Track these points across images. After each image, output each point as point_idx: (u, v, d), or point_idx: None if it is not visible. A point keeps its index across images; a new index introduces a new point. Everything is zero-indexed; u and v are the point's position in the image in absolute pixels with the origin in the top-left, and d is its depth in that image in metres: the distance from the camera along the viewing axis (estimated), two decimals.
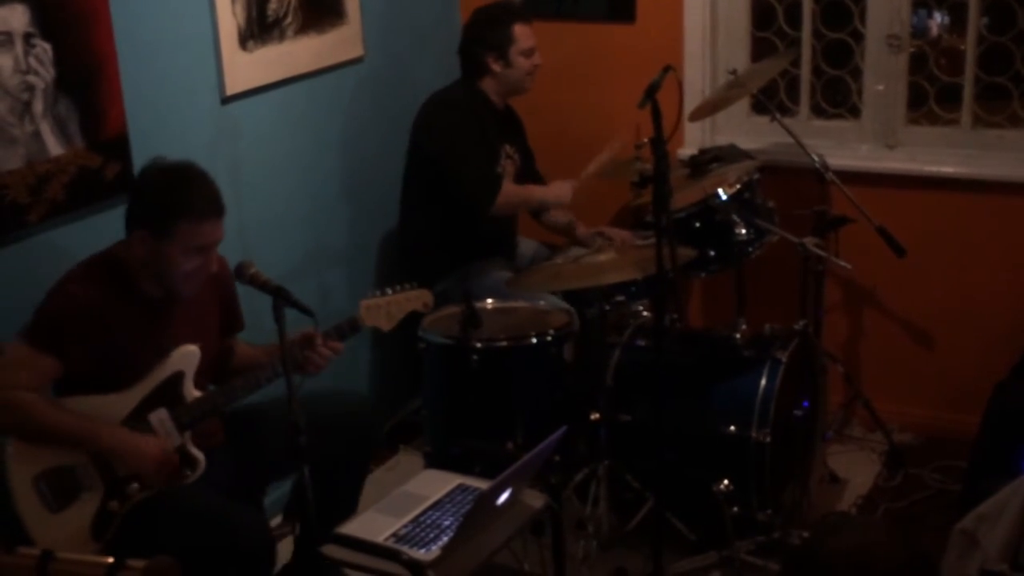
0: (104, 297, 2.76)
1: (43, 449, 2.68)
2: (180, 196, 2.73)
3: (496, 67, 3.99)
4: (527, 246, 4.29)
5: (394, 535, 2.67)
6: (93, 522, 2.71)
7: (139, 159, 3.15)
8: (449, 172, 3.92)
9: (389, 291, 3.04)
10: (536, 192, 4.14)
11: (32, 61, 2.88)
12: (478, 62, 4.01)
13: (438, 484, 2.92)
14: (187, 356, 2.90)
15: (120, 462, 2.74)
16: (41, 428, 2.69)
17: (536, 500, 2.85)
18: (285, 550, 3.20)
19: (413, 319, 3.83)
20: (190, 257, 2.75)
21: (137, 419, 2.78)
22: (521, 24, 3.99)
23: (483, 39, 4.01)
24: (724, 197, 3.68)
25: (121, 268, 2.79)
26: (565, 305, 3.69)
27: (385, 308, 3.03)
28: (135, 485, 2.75)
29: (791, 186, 4.09)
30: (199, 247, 2.75)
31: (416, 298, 3.09)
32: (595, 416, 3.57)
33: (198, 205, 2.73)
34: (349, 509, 3.13)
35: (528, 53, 3.99)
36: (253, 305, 3.08)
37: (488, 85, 4.03)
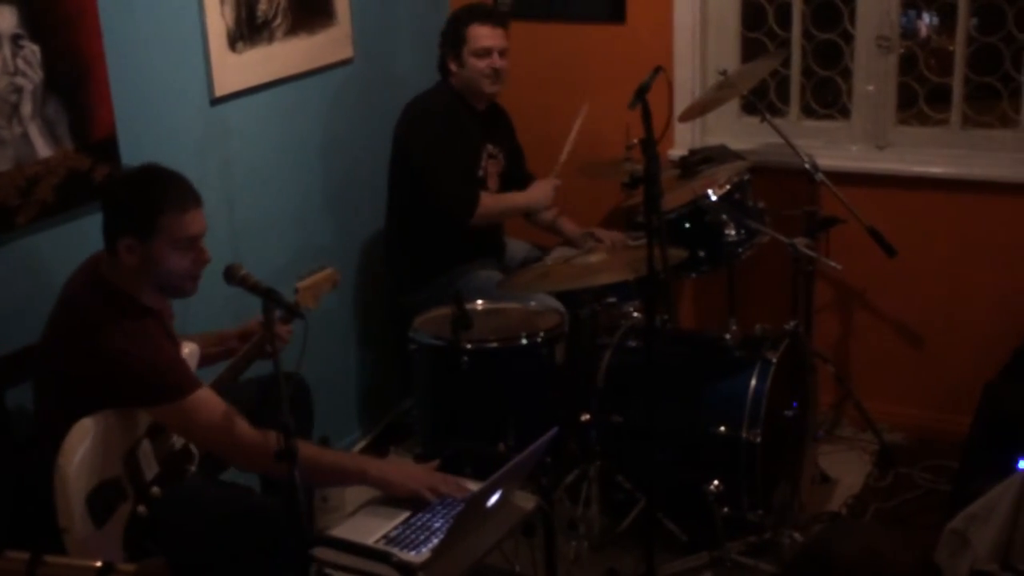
0: (139, 323, 2.73)
1: (95, 466, 2.64)
2: (155, 193, 2.71)
3: (453, 67, 3.99)
4: (517, 247, 4.28)
5: (385, 537, 2.66)
6: (125, 530, 2.70)
7: (128, 161, 3.14)
8: (426, 187, 3.92)
9: (305, 273, 3.08)
10: (517, 200, 4.12)
11: (20, 63, 2.87)
12: (443, 62, 4.03)
13: None
14: (191, 356, 2.93)
15: (390, 489, 2.81)
16: (321, 472, 2.77)
17: (527, 501, 2.84)
18: None
19: (400, 318, 3.84)
20: (181, 253, 2.74)
21: (157, 428, 2.77)
22: (479, 25, 3.95)
23: (444, 39, 4.03)
24: (714, 198, 3.68)
25: (118, 291, 2.75)
26: (557, 304, 3.69)
27: (312, 289, 3.06)
28: (155, 488, 2.75)
29: (781, 187, 4.10)
30: (187, 239, 2.73)
31: (328, 277, 3.13)
32: (586, 417, 3.58)
33: (174, 197, 2.72)
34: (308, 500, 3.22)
35: (481, 54, 3.95)
36: (240, 306, 3.08)
37: (455, 85, 4.02)
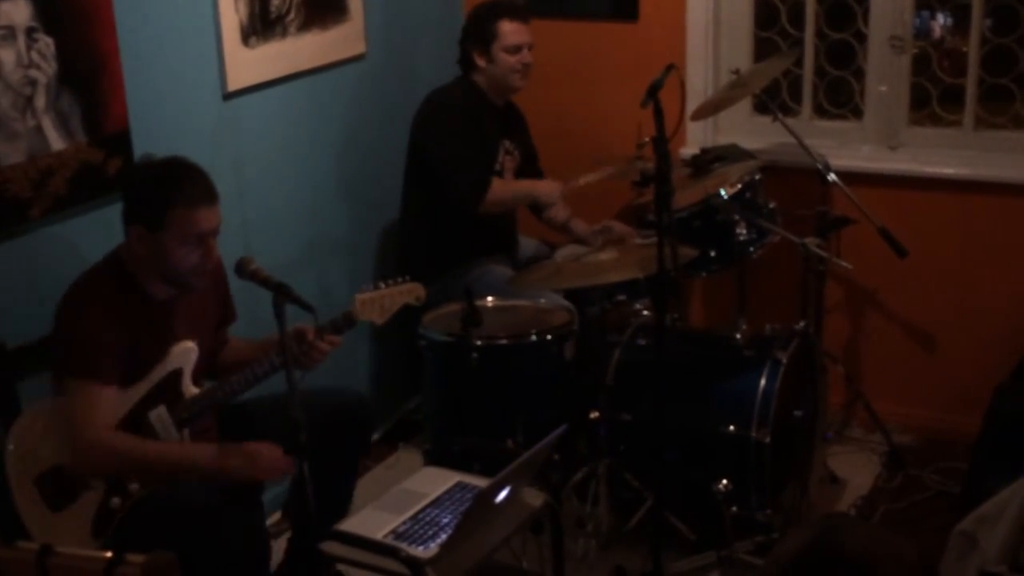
0: (114, 304, 2.75)
1: (43, 449, 2.67)
2: (169, 186, 2.72)
3: (481, 63, 4.00)
4: (528, 245, 4.29)
5: (393, 532, 2.67)
6: (94, 520, 2.71)
7: (140, 154, 3.15)
8: (439, 172, 3.93)
9: (383, 285, 3.04)
10: (524, 186, 4.14)
11: (34, 56, 2.88)
12: (467, 57, 4.03)
13: (437, 482, 2.92)
14: (185, 353, 2.89)
15: (231, 476, 2.77)
16: (142, 465, 2.70)
17: (535, 498, 2.85)
18: (283, 547, 3.20)
19: (409, 314, 3.84)
20: (189, 248, 2.74)
21: (137, 417, 2.77)
22: (509, 20, 3.97)
23: (470, 34, 4.03)
24: (725, 197, 3.67)
25: (125, 270, 2.78)
26: (566, 303, 3.69)
27: (379, 302, 3.02)
28: (135, 484, 2.75)
29: (793, 186, 4.09)
30: (196, 235, 2.74)
31: (409, 291, 3.08)
32: (595, 415, 3.57)
33: (188, 192, 2.73)
34: (344, 505, 3.15)
35: (512, 50, 3.97)
36: (251, 300, 3.08)
37: (479, 81, 4.03)
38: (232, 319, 3.14)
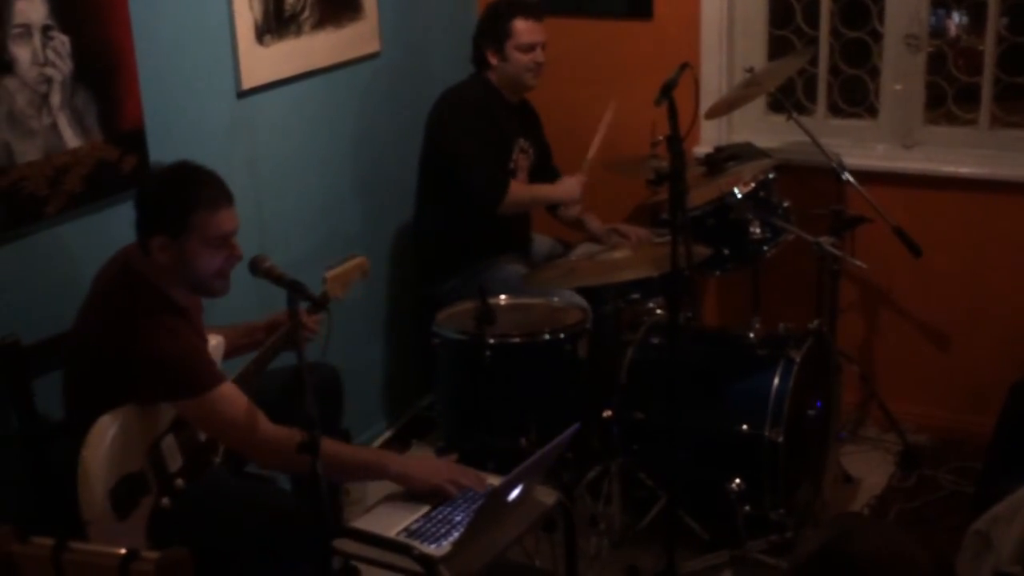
0: (167, 318, 2.75)
1: (117, 460, 2.66)
2: (188, 191, 2.73)
3: (494, 60, 4.00)
4: (542, 243, 4.29)
5: (406, 530, 2.67)
6: (148, 521, 2.72)
7: (156, 152, 3.16)
8: (458, 171, 3.94)
9: (334, 263, 3.11)
10: (544, 191, 4.15)
11: (50, 53, 2.89)
12: (481, 55, 4.03)
13: None
14: (217, 348, 2.95)
15: (411, 483, 2.80)
16: (335, 462, 2.70)
17: (548, 497, 2.84)
18: None
19: (423, 312, 3.85)
20: (213, 251, 2.75)
21: (182, 422, 2.79)
22: (523, 19, 3.97)
23: (484, 32, 4.03)
24: (740, 196, 3.67)
25: (150, 283, 2.77)
26: (580, 301, 3.69)
27: (341, 278, 3.09)
28: (179, 480, 2.77)
29: (807, 185, 4.08)
30: (219, 237, 2.75)
31: (357, 266, 3.16)
32: (608, 414, 3.57)
33: (207, 195, 2.73)
34: (336, 495, 3.23)
35: (526, 48, 3.97)
36: (262, 296, 3.09)
37: (493, 78, 4.04)
38: (202, 309, 3.14)
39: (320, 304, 2.89)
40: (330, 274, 3.07)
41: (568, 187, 4.09)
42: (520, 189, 4.03)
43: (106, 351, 2.70)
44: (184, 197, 2.72)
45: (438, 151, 4.01)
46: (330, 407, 3.21)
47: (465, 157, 3.92)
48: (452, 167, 3.95)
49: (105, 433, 2.63)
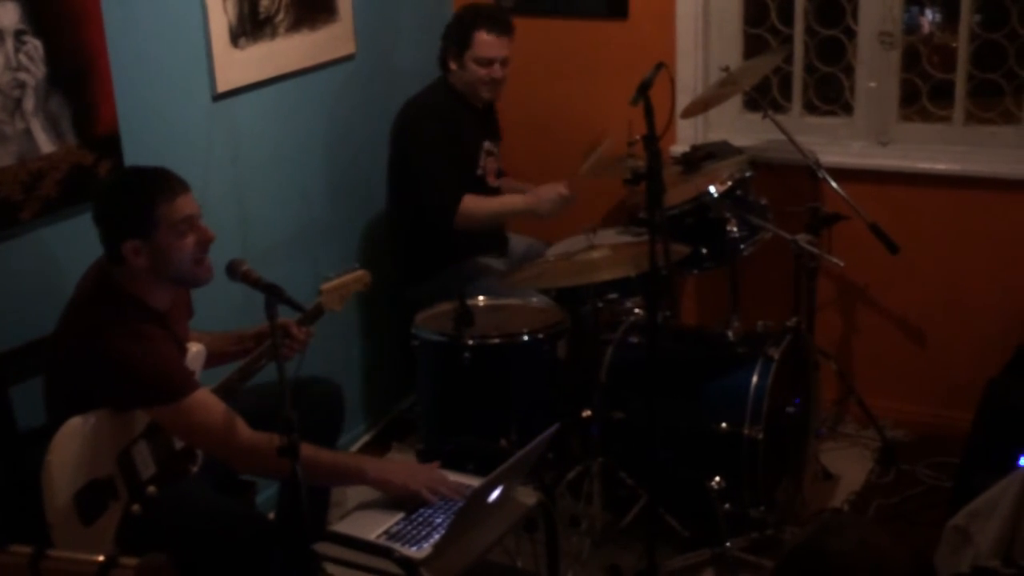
0: (145, 326, 2.74)
1: (84, 464, 2.65)
2: (144, 189, 2.72)
3: (453, 66, 3.97)
4: (519, 242, 4.28)
5: (386, 532, 2.66)
6: (118, 528, 2.70)
7: (131, 156, 3.14)
8: (416, 187, 3.92)
9: (333, 275, 3.11)
10: (510, 203, 4.03)
11: (23, 58, 2.87)
12: (442, 57, 4.01)
13: None
14: (197, 356, 2.94)
15: (390, 488, 2.80)
16: (313, 466, 2.68)
17: (529, 497, 2.85)
18: None
19: (402, 314, 3.84)
20: (183, 236, 2.74)
21: (156, 429, 2.77)
22: (487, 32, 3.91)
23: (449, 35, 4.00)
24: (716, 194, 3.68)
25: (127, 292, 2.76)
26: (553, 305, 3.68)
27: (338, 291, 3.09)
28: (151, 487, 2.76)
29: (784, 183, 4.10)
30: (185, 220, 2.73)
31: (358, 279, 3.16)
32: (588, 413, 3.57)
33: (162, 186, 2.73)
34: (324, 497, 3.22)
35: (483, 62, 3.92)
36: (238, 301, 3.08)
37: (455, 82, 4.01)
38: (192, 314, 3.14)
39: (311, 316, 2.89)
40: (327, 286, 3.06)
41: (544, 195, 3.90)
42: (478, 206, 3.92)
43: (81, 358, 2.69)
44: (142, 195, 2.71)
45: (402, 164, 3.99)
46: (330, 424, 3.21)
47: (423, 175, 3.89)
48: (412, 183, 3.93)
49: (72, 437, 2.63)
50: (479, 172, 4.05)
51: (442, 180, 3.90)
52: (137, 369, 2.68)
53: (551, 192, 3.89)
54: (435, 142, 3.90)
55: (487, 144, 4.08)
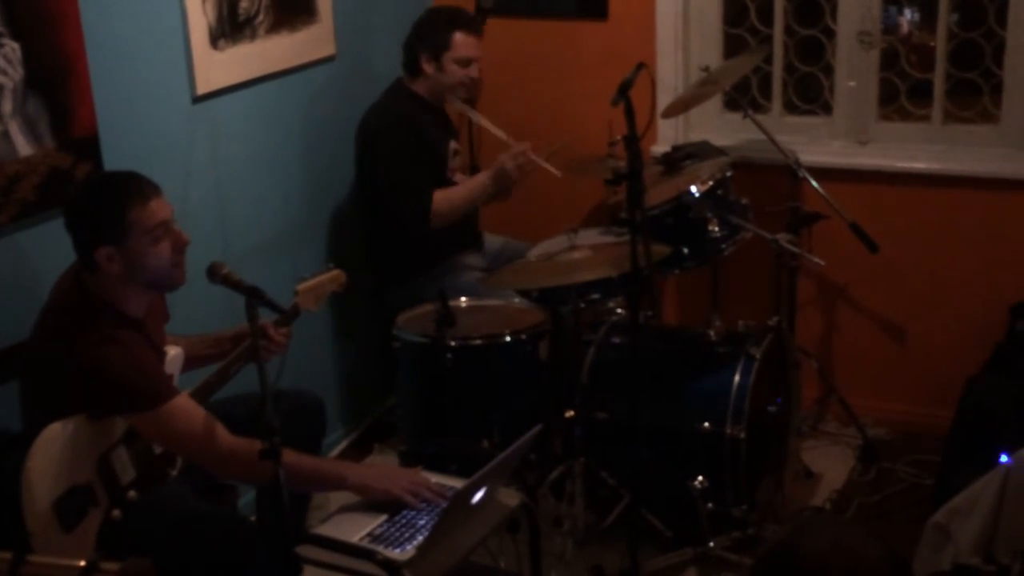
0: (121, 332, 2.72)
1: (63, 471, 2.63)
2: (116, 194, 2.70)
3: (428, 69, 3.96)
4: (494, 241, 4.26)
5: (369, 535, 2.66)
6: (98, 534, 2.69)
7: (109, 159, 3.13)
8: (386, 199, 3.92)
9: (308, 275, 3.09)
10: (471, 185, 3.99)
11: (0, 61, 2.86)
12: (414, 60, 3.99)
13: None
14: (175, 359, 2.92)
15: (370, 494, 2.78)
16: (294, 471, 2.65)
17: (512, 498, 2.84)
18: None
19: (383, 315, 3.84)
20: (158, 242, 2.72)
21: (134, 434, 2.76)
22: (464, 33, 3.92)
23: (422, 38, 3.98)
24: (697, 194, 3.68)
25: (99, 301, 2.74)
26: (534, 306, 3.68)
27: (314, 291, 3.08)
28: (132, 492, 2.74)
29: (764, 182, 4.11)
30: (159, 225, 2.71)
31: (334, 279, 3.15)
32: (570, 414, 3.58)
33: (134, 191, 2.70)
34: (303, 504, 3.23)
35: (463, 63, 3.93)
36: (216, 304, 3.07)
37: (420, 87, 3.99)
38: (168, 318, 3.12)
39: (288, 316, 2.88)
40: (302, 286, 3.05)
41: (502, 162, 3.84)
42: (447, 199, 3.91)
43: (57, 365, 2.68)
44: (114, 201, 2.69)
45: (371, 174, 3.98)
46: (310, 435, 3.18)
47: (395, 184, 3.89)
48: (382, 195, 3.93)
49: (51, 443, 2.61)
50: (448, 175, 4.04)
51: (415, 186, 3.90)
52: (114, 376, 2.66)
53: (508, 154, 3.88)
54: (403, 150, 3.89)
55: (453, 144, 4.08)
